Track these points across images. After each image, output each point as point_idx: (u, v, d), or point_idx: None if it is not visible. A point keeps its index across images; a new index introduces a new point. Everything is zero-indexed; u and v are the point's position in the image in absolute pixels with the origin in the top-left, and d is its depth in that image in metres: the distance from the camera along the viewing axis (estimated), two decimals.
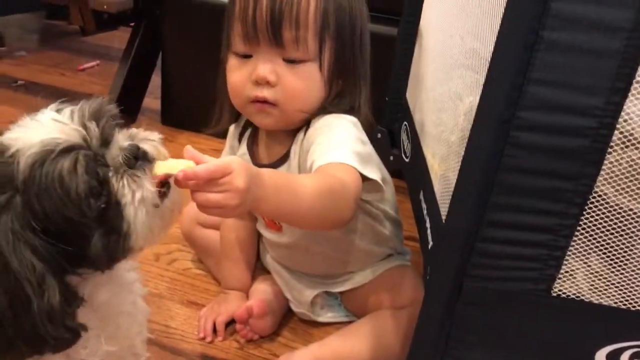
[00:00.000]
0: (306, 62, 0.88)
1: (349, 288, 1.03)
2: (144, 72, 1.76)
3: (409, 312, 0.94)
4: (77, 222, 0.56)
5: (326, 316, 1.04)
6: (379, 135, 1.41)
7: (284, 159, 0.93)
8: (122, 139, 0.62)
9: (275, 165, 0.93)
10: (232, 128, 1.05)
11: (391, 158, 1.38)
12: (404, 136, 1.27)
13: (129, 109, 1.75)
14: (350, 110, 0.93)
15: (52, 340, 0.55)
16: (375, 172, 0.86)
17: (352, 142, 0.86)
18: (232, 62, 0.91)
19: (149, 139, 0.64)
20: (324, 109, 0.91)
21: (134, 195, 0.59)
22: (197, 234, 1.14)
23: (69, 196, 0.55)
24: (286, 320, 1.03)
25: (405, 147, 1.23)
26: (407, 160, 1.21)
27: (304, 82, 0.88)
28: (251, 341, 0.96)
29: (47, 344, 0.55)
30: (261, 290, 1.03)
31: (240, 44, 0.88)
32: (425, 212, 0.91)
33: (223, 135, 1.65)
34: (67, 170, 0.55)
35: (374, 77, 1.38)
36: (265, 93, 0.87)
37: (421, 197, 0.96)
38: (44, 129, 0.57)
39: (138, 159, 0.61)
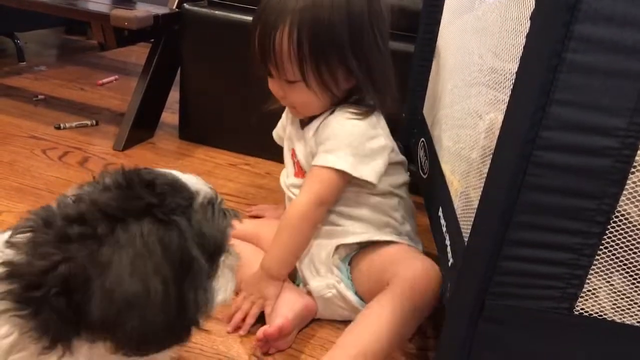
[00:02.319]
0: (297, 81, 1.01)
1: (357, 241, 1.06)
2: (162, 87, 1.78)
3: (409, 292, 0.96)
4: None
5: (340, 287, 1.04)
6: None
7: (308, 123, 1.09)
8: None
9: (306, 124, 1.10)
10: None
11: (408, 174, 1.39)
12: (421, 152, 1.28)
13: (147, 123, 1.77)
14: (373, 106, 1.04)
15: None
16: (370, 170, 1.01)
17: (351, 145, 1.00)
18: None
19: None
20: (350, 98, 1.05)
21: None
22: None
23: (220, 231, 0.65)
24: (301, 334, 1.03)
25: (423, 163, 1.24)
26: (424, 176, 1.21)
27: (302, 96, 1.03)
28: (269, 354, 0.97)
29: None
30: (290, 306, 1.02)
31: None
32: (444, 229, 0.92)
33: (237, 149, 1.68)
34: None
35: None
36: (284, 102, 1.09)
37: (440, 213, 0.96)
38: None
39: None
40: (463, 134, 0.94)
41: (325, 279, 1.04)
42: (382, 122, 1.07)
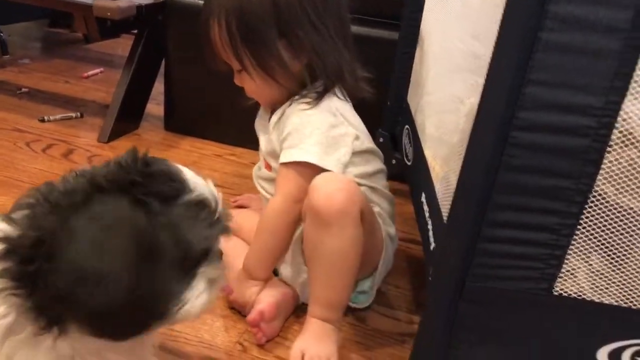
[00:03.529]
0: (246, 68, 1.02)
1: None
2: (147, 78, 1.77)
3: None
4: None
5: None
6: (381, 140, 1.42)
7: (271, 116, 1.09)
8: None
9: (270, 117, 1.09)
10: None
11: (393, 162, 1.39)
12: (405, 140, 1.28)
13: (132, 115, 1.76)
14: (325, 89, 1.02)
15: None
16: (334, 161, 0.99)
17: (312, 135, 0.99)
18: None
19: None
20: (305, 87, 1.03)
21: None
22: None
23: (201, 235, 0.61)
24: (288, 323, 1.03)
25: (407, 150, 1.24)
26: (408, 163, 1.21)
27: (252, 83, 1.04)
28: (254, 343, 0.97)
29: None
30: (270, 293, 1.03)
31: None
32: (427, 214, 0.92)
33: (222, 140, 1.68)
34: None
35: (375, 82, 1.40)
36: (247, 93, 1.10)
37: (423, 199, 0.97)
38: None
39: None
40: (445, 119, 0.95)
41: (295, 264, 1.04)
42: (347, 108, 1.05)
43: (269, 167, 1.10)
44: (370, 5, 1.48)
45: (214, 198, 0.63)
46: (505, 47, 0.57)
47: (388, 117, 1.43)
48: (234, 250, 1.10)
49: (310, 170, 0.98)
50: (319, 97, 1.02)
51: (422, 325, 0.71)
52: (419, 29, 1.30)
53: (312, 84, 1.03)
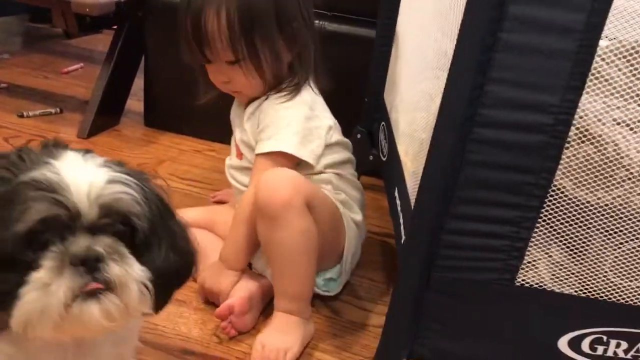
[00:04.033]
0: (240, 60, 1.02)
1: None
2: (126, 74, 1.77)
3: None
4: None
5: None
6: (359, 136, 1.44)
7: (246, 107, 1.11)
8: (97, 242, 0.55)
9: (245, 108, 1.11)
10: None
11: (371, 158, 1.41)
12: (381, 136, 1.30)
13: (112, 110, 1.76)
14: (299, 83, 1.05)
15: None
16: (309, 152, 1.02)
17: (290, 126, 1.01)
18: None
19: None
20: (283, 81, 1.06)
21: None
22: None
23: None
24: (266, 314, 1.05)
25: (383, 146, 1.26)
26: (384, 159, 1.24)
27: (245, 76, 1.04)
28: (231, 336, 0.99)
29: None
30: (243, 287, 1.05)
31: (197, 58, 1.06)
32: (399, 208, 0.94)
33: (202, 136, 1.69)
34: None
35: (354, 79, 1.42)
36: (227, 88, 1.08)
37: (396, 194, 0.99)
38: None
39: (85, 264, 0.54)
40: (417, 116, 0.97)
41: (265, 257, 1.05)
42: (319, 102, 1.08)
43: (240, 155, 1.12)
44: (348, 2, 1.50)
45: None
46: (466, 46, 0.59)
47: (366, 113, 1.45)
48: (208, 244, 1.12)
49: (286, 160, 1.01)
50: (296, 90, 1.05)
51: (389, 315, 0.73)
52: (395, 27, 1.33)
53: (289, 78, 1.06)
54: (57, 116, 1.78)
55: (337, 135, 1.10)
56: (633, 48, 0.63)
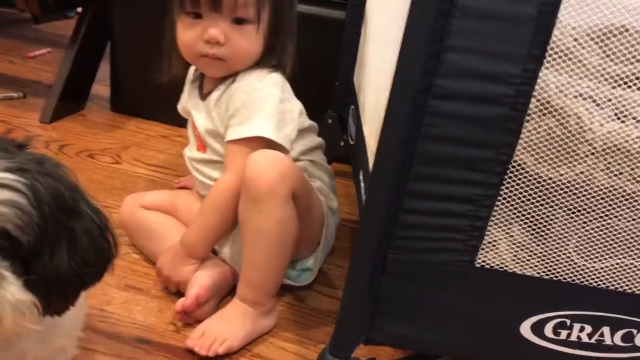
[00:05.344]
0: (250, 22, 0.96)
1: None
2: (92, 57, 1.72)
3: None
4: None
5: None
6: (330, 121, 1.41)
7: (209, 93, 1.04)
8: None
9: (207, 95, 1.05)
10: (189, 75, 1.13)
11: (342, 144, 1.37)
12: (350, 120, 1.27)
13: (77, 95, 1.70)
14: (276, 66, 1.01)
15: None
16: (284, 136, 0.98)
17: (263, 110, 0.96)
18: (185, 21, 0.98)
19: None
20: (255, 63, 1.00)
21: None
22: (139, 216, 1.11)
23: None
24: (223, 303, 1.01)
25: (351, 130, 1.23)
26: (352, 143, 1.20)
27: (248, 41, 0.97)
28: (188, 324, 0.95)
29: None
30: (206, 274, 1.01)
31: (190, 5, 0.95)
32: (363, 191, 0.91)
33: (169, 121, 1.64)
34: None
35: (324, 62, 1.39)
36: (215, 51, 0.96)
37: (360, 177, 0.96)
38: None
39: None
40: (381, 95, 0.93)
41: (236, 244, 1.02)
42: (288, 85, 1.04)
43: (203, 147, 1.07)
44: None
45: None
46: (420, 11, 0.56)
47: (336, 98, 1.41)
48: (169, 229, 1.08)
49: (263, 145, 0.96)
50: (272, 71, 1.00)
51: (344, 300, 0.70)
52: (364, 8, 1.29)
53: (267, 57, 1.01)
54: (20, 101, 1.72)
55: (307, 120, 1.07)
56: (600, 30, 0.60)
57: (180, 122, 1.64)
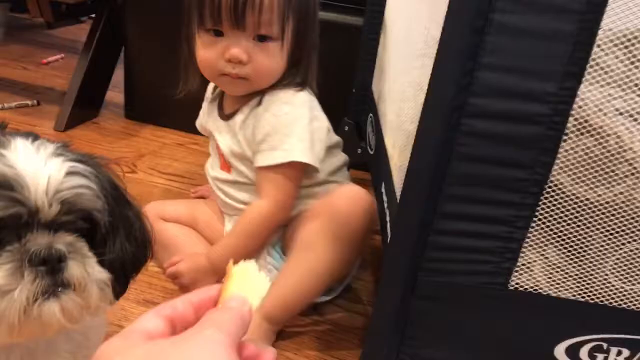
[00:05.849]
0: (273, 39, 0.92)
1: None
2: (106, 64, 1.71)
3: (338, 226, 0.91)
4: None
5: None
6: (347, 128, 1.39)
7: (233, 115, 1.01)
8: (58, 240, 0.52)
9: (230, 116, 1.02)
10: (208, 92, 1.11)
11: (359, 151, 1.36)
12: (369, 128, 1.25)
13: (91, 102, 1.69)
14: (302, 84, 0.98)
15: None
16: (315, 156, 0.96)
17: (294, 133, 0.94)
18: (204, 38, 0.94)
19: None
20: (279, 81, 0.97)
21: None
22: (159, 228, 1.10)
23: None
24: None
25: (370, 139, 1.21)
26: (371, 152, 1.18)
27: (271, 59, 0.94)
28: None
29: None
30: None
31: (210, 22, 0.92)
32: (385, 205, 0.89)
33: (185, 128, 1.63)
34: None
35: (341, 69, 1.37)
36: (237, 70, 0.93)
37: (382, 189, 0.94)
38: None
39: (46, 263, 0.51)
40: (405, 107, 0.91)
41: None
42: (316, 101, 1.01)
43: (227, 167, 1.04)
44: None
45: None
46: (454, 28, 0.54)
47: (354, 105, 1.40)
48: (190, 243, 1.06)
49: (296, 169, 0.95)
50: (299, 90, 0.97)
51: (373, 322, 0.68)
52: (383, 14, 1.27)
53: (291, 75, 0.98)
54: (34, 108, 1.72)
55: (334, 136, 1.05)
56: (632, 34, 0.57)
57: (196, 129, 1.64)
